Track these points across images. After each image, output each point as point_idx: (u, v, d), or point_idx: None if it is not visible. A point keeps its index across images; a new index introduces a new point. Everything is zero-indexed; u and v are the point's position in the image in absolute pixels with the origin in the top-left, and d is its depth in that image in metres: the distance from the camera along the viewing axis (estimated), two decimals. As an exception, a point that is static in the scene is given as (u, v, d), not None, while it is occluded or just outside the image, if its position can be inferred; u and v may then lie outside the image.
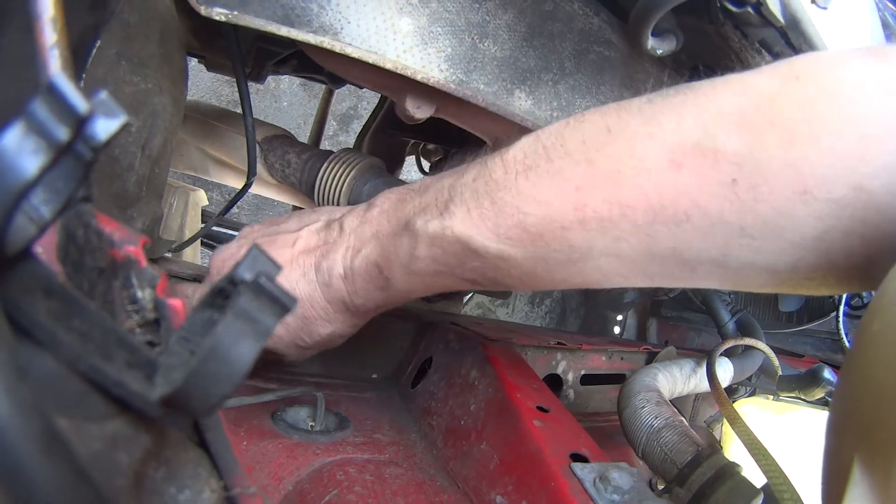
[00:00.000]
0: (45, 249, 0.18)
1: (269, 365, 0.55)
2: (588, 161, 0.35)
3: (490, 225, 0.38)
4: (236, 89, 0.67)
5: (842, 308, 0.90)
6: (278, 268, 0.15)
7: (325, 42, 0.48)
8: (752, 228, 0.32)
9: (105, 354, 0.14)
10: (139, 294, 0.18)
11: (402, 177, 1.02)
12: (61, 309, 0.14)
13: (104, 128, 0.14)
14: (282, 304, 0.14)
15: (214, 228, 1.34)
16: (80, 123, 0.13)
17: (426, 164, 1.16)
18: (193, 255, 1.22)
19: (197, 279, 0.60)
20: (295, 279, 0.46)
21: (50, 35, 0.25)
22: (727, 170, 0.32)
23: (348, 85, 1.02)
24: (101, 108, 0.14)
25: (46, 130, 0.12)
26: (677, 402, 0.83)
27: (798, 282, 0.35)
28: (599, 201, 0.35)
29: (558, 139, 0.37)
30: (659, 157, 0.33)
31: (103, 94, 0.14)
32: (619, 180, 0.34)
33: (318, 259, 0.46)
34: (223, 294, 0.15)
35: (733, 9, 0.47)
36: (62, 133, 0.12)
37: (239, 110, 0.70)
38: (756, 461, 0.48)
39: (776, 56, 0.55)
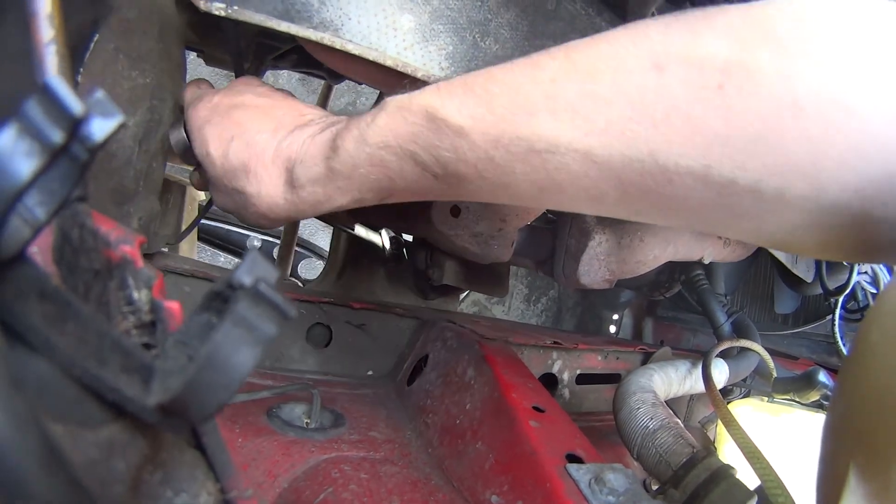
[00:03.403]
0: (41, 251, 0.18)
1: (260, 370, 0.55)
2: (566, 57, 0.35)
3: (456, 102, 0.37)
4: (235, 84, 0.67)
5: (838, 311, 0.90)
6: (277, 272, 0.15)
7: (326, 38, 0.48)
8: (737, 138, 0.31)
9: (100, 359, 0.14)
10: (135, 295, 0.18)
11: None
12: (56, 312, 0.14)
13: (100, 128, 0.13)
14: (281, 310, 0.14)
15: (212, 224, 1.33)
16: (75, 125, 0.12)
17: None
18: (190, 250, 1.22)
19: (194, 275, 0.60)
20: (266, 128, 0.45)
21: (47, 31, 0.25)
22: (714, 76, 0.30)
23: (347, 81, 1.01)
24: (97, 108, 0.13)
25: (41, 133, 0.12)
26: (672, 403, 0.83)
27: (785, 216, 0.33)
28: (573, 94, 0.34)
29: (543, 52, 0.37)
30: (641, 60, 0.32)
31: (100, 94, 0.14)
32: (597, 76, 0.33)
33: (297, 124, 0.45)
34: (221, 297, 0.15)
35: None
36: (57, 135, 0.12)
37: (237, 105, 0.69)
38: (750, 463, 0.48)
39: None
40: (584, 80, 0.33)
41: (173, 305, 0.18)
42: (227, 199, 0.48)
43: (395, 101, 0.39)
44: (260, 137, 0.45)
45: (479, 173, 0.38)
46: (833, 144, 0.29)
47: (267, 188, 0.45)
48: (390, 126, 0.39)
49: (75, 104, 0.12)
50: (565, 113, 0.34)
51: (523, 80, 0.35)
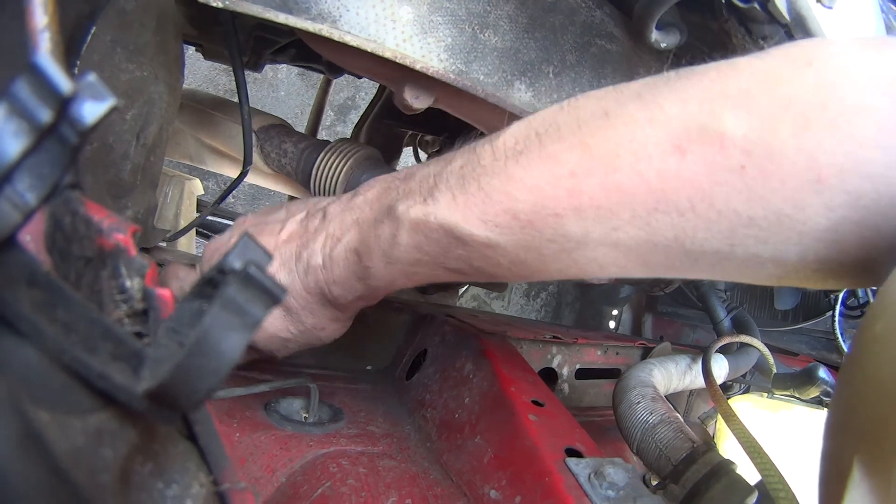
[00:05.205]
0: (33, 237, 0.18)
1: (258, 363, 0.55)
2: (584, 146, 0.33)
3: (477, 211, 0.36)
4: (233, 78, 0.67)
5: (838, 308, 0.90)
6: (269, 257, 0.15)
7: (324, 30, 0.47)
8: (760, 219, 0.31)
9: (89, 346, 0.14)
10: (128, 283, 0.17)
11: (400, 168, 1.02)
12: (45, 299, 0.14)
13: (91, 110, 0.13)
14: (272, 294, 0.14)
15: (210, 218, 1.33)
16: (64, 105, 0.12)
17: (423, 155, 1.16)
18: (188, 244, 1.22)
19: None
20: (275, 268, 0.45)
21: (41, 18, 0.25)
22: (735, 156, 0.30)
23: (346, 75, 1.01)
24: (88, 91, 0.13)
25: (28, 112, 0.12)
26: (671, 398, 0.83)
27: (805, 274, 0.34)
28: (596, 187, 0.33)
29: (552, 124, 0.36)
30: (661, 142, 0.31)
31: (91, 76, 0.14)
32: (618, 165, 0.32)
33: (299, 248, 0.45)
34: (212, 283, 0.15)
35: (740, 4, 0.46)
36: (45, 115, 0.12)
37: (236, 99, 0.69)
38: (751, 459, 0.48)
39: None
40: (605, 172, 0.33)
41: (165, 293, 0.17)
42: (285, 344, 0.48)
43: (410, 216, 0.38)
44: (279, 275, 0.45)
45: (513, 272, 0.39)
46: (856, 209, 0.29)
47: (320, 319, 0.46)
48: (413, 244, 0.39)
49: (64, 82, 0.12)
50: (591, 209, 0.33)
51: (542, 178, 0.34)
